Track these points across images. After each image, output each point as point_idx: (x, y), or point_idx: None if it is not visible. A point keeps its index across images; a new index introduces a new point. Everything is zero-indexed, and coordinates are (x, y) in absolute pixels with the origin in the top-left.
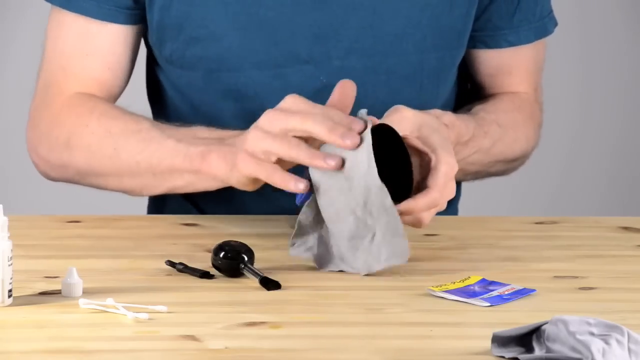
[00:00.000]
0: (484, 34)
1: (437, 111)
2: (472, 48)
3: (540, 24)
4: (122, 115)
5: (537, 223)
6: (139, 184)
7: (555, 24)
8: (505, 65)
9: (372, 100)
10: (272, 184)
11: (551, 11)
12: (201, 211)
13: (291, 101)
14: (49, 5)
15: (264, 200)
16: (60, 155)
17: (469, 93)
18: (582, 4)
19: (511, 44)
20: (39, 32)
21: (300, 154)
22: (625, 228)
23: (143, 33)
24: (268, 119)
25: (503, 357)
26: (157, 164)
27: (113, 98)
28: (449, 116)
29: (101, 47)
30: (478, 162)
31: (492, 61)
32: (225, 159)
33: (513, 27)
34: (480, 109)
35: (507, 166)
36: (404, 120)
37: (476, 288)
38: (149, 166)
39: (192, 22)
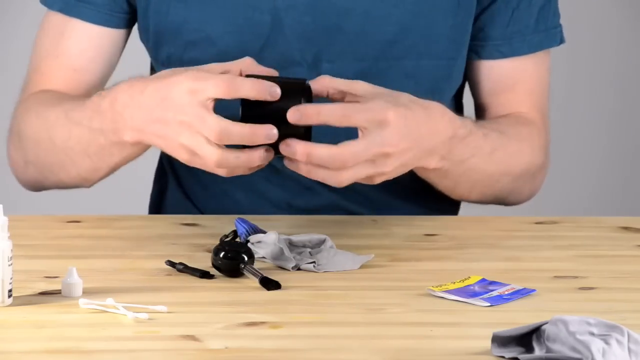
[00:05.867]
0: (475, 43)
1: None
2: (467, 59)
3: (534, 37)
4: (56, 101)
5: (537, 223)
6: (86, 168)
7: (561, 41)
8: (505, 80)
9: None
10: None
11: (556, 27)
12: (195, 206)
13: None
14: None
15: (254, 196)
16: (19, 154)
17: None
18: (571, 3)
19: (504, 55)
20: None
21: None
22: (625, 228)
23: (141, 37)
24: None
25: (503, 357)
26: (86, 147)
27: (80, 94)
28: (440, 105)
29: (70, 49)
30: (480, 170)
31: (491, 73)
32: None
33: (506, 38)
34: (479, 121)
35: (514, 184)
36: (356, 83)
37: (476, 288)
38: (83, 150)
39: (189, 27)
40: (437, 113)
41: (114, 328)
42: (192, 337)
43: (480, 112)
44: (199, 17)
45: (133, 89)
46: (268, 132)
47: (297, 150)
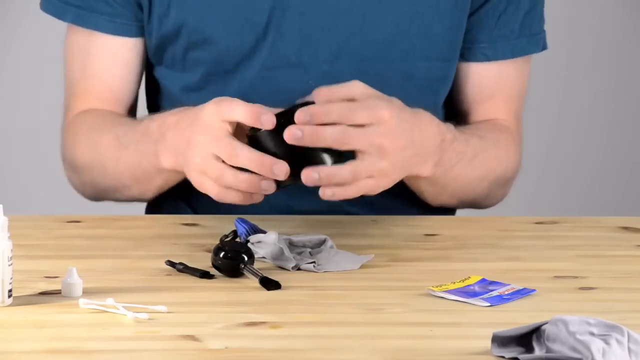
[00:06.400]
0: (462, 45)
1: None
2: None
3: (518, 42)
4: (107, 124)
5: (537, 223)
6: (136, 191)
7: (543, 47)
8: (487, 86)
9: None
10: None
11: (540, 33)
12: (194, 212)
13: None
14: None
15: None
16: (75, 176)
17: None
18: (572, 3)
19: (488, 58)
20: (39, 33)
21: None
22: (625, 228)
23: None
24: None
25: (503, 357)
26: (133, 172)
27: (120, 110)
28: (427, 112)
29: (98, 69)
30: (464, 176)
31: (474, 78)
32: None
33: (491, 41)
34: (459, 127)
35: (490, 188)
36: (353, 85)
37: (476, 288)
38: (131, 174)
39: (189, 29)
40: (426, 118)
41: (114, 328)
42: (192, 337)
43: (461, 117)
44: (198, 20)
45: (182, 112)
46: (276, 165)
47: (320, 174)
